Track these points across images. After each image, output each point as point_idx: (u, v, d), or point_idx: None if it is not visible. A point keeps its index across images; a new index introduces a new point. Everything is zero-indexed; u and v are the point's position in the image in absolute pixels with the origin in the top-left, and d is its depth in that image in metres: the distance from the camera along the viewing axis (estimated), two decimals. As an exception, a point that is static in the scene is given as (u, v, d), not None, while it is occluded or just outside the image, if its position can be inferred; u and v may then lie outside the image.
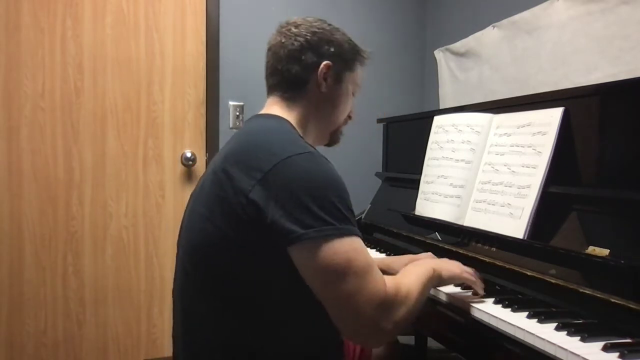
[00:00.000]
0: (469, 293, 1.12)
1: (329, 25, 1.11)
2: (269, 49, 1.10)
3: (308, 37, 1.06)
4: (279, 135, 0.97)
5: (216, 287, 0.94)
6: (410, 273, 1.01)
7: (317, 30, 1.07)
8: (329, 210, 0.86)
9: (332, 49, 1.08)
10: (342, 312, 0.87)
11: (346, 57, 1.11)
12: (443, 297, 1.16)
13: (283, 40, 1.07)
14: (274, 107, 1.08)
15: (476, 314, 1.05)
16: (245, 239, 0.89)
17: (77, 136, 2.18)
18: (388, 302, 0.88)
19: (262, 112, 1.10)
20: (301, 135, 1.03)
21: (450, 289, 1.17)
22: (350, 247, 0.86)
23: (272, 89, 1.10)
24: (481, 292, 1.10)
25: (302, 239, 0.84)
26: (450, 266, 1.11)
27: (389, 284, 0.89)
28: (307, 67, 1.06)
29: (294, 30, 1.07)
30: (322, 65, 1.06)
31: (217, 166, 0.96)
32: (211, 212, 0.92)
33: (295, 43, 1.06)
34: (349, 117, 1.19)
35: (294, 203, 0.85)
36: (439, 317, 1.15)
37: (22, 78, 2.10)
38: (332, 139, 1.18)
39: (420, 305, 0.96)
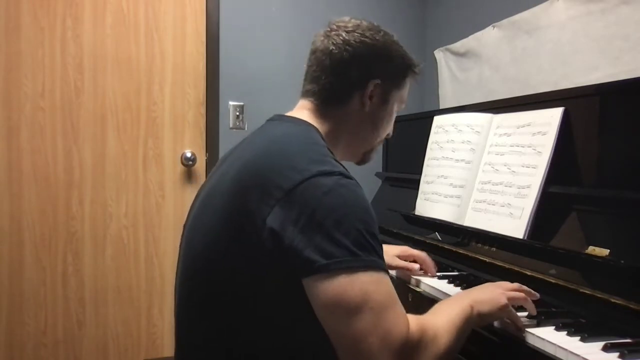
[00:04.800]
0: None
1: (383, 33, 0.99)
2: (313, 52, 0.99)
3: (359, 49, 0.95)
4: (306, 147, 0.86)
5: (214, 304, 0.86)
6: (442, 312, 0.86)
7: (369, 41, 0.96)
8: (354, 238, 0.76)
9: (382, 66, 0.97)
10: (353, 354, 0.74)
11: (397, 74, 1.01)
12: (441, 297, 1.16)
13: (331, 48, 0.95)
14: (305, 112, 0.98)
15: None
16: (253, 262, 0.80)
17: (77, 136, 2.18)
18: (409, 347, 0.75)
19: (291, 114, 0.99)
20: (329, 148, 0.91)
21: (450, 288, 1.17)
22: (371, 280, 0.75)
23: (307, 94, 0.99)
24: (533, 312, 0.94)
25: (321, 270, 0.74)
26: (491, 296, 0.92)
27: (413, 324, 0.77)
28: (353, 84, 0.96)
29: (344, 36, 0.95)
30: (370, 85, 0.96)
31: (235, 174, 0.86)
32: (218, 227, 0.84)
33: (345, 53, 0.95)
34: (386, 136, 1.08)
35: (316, 228, 0.75)
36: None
37: (22, 78, 2.10)
38: (364, 159, 1.07)
39: (454, 352, 0.83)
